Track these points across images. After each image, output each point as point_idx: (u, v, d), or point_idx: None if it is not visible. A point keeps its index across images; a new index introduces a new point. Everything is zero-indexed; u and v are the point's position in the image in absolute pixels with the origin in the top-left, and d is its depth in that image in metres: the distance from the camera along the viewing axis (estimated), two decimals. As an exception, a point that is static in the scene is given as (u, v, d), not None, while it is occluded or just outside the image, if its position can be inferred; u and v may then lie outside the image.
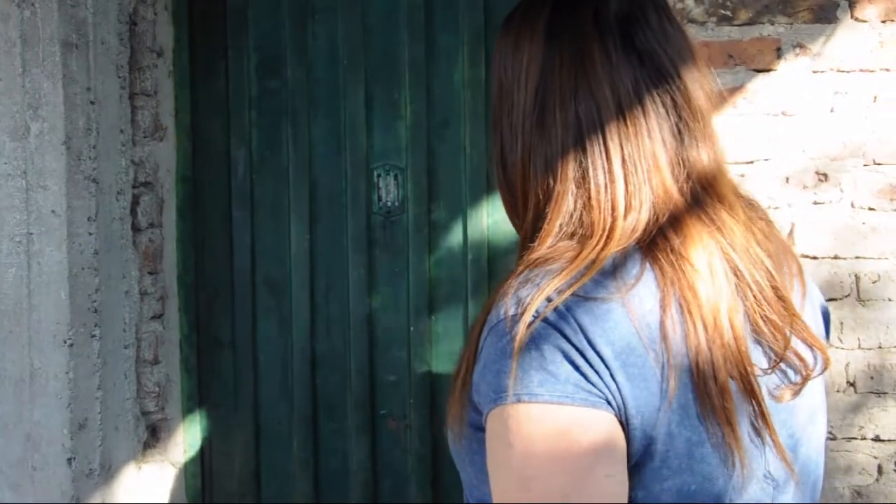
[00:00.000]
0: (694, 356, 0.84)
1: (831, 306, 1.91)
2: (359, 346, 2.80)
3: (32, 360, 1.82)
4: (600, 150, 0.89)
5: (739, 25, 1.91)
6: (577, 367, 0.82)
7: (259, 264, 2.41)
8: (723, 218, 0.90)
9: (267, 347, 2.47)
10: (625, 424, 0.83)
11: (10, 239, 1.80)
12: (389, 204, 2.36)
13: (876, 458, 1.93)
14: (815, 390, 0.97)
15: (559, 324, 0.83)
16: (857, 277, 1.92)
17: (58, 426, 1.82)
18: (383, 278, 2.43)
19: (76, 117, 1.82)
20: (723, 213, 0.91)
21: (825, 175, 1.92)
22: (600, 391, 0.82)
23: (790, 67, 1.91)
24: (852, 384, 1.92)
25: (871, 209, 1.91)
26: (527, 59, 0.93)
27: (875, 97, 1.90)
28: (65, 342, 1.81)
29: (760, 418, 0.88)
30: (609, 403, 0.82)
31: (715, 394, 0.84)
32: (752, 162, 1.91)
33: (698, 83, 0.92)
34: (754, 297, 0.89)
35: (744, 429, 0.87)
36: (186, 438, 2.17)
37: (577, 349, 0.82)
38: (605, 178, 0.89)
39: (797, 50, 1.91)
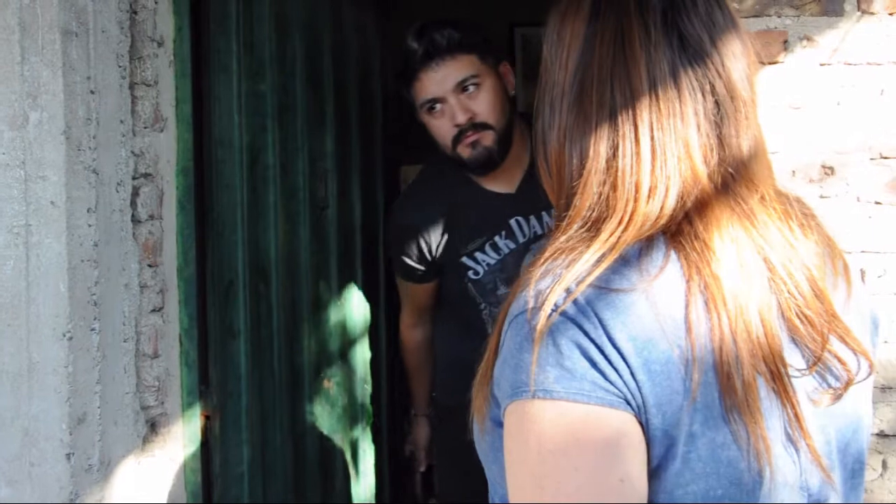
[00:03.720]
0: (718, 350, 0.81)
1: (838, 300, 1.90)
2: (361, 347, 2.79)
3: (31, 353, 1.79)
4: (630, 131, 0.88)
5: (746, 17, 1.90)
6: (594, 364, 0.80)
7: (257, 257, 2.39)
8: (756, 209, 0.88)
9: (269, 341, 2.45)
10: (645, 424, 0.81)
11: (8, 230, 1.77)
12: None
13: (881, 453, 1.93)
14: (859, 397, 0.93)
15: (578, 318, 0.81)
16: (863, 272, 1.91)
17: (56, 421, 1.80)
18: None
19: (76, 107, 1.79)
20: (756, 205, 0.88)
21: (831, 168, 1.91)
22: (619, 389, 0.80)
23: (797, 60, 1.90)
24: (858, 379, 1.92)
25: (877, 203, 1.91)
26: (569, 38, 0.92)
27: (882, 90, 1.90)
28: (64, 335, 1.78)
29: (794, 422, 0.85)
30: (628, 402, 0.80)
31: (739, 390, 0.81)
32: (758, 155, 1.90)
33: (744, 73, 0.90)
34: (789, 292, 0.86)
35: (775, 432, 0.84)
36: (186, 433, 2.14)
37: (596, 345, 0.80)
38: (632, 159, 0.87)
39: (804, 42, 1.90)
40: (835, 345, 0.88)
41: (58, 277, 1.78)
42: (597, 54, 0.90)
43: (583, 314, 0.81)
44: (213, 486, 2.22)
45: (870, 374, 0.92)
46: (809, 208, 0.96)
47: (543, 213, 2.20)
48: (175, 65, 2.11)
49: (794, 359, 0.86)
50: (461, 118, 2.11)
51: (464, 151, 2.14)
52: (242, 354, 2.31)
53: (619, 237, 0.85)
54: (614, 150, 0.88)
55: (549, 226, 2.10)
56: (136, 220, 1.99)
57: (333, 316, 2.73)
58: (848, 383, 0.89)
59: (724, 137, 0.89)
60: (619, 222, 0.86)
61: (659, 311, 0.82)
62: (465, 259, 2.24)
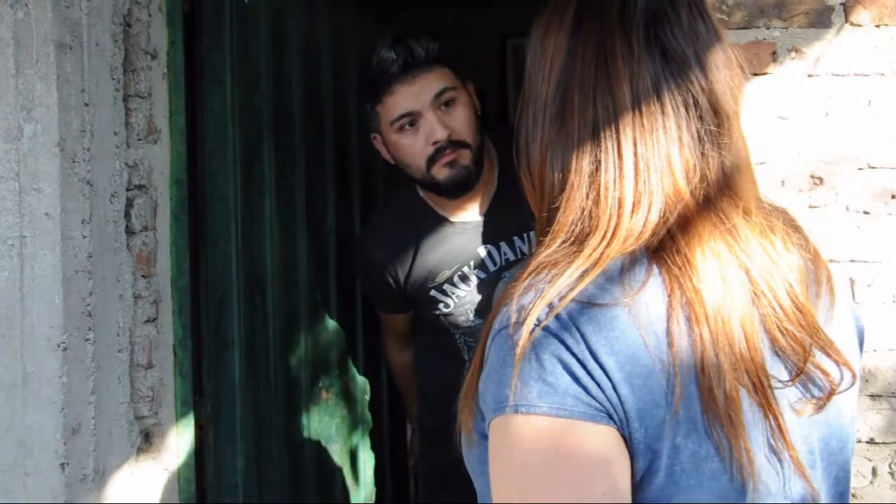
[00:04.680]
0: (699, 363, 0.82)
1: (827, 309, 1.91)
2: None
3: (25, 364, 1.80)
4: (613, 146, 0.88)
5: (735, 29, 1.91)
6: (577, 379, 0.81)
7: (252, 268, 2.40)
8: (738, 224, 0.88)
9: (265, 351, 2.45)
10: (628, 438, 0.81)
11: (2, 242, 1.79)
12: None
13: (870, 460, 1.94)
14: (842, 406, 0.94)
15: (561, 333, 0.82)
16: (853, 281, 1.92)
17: (51, 431, 1.81)
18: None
19: (70, 119, 1.81)
20: (738, 220, 0.88)
21: (820, 178, 1.92)
22: (601, 404, 0.81)
23: (785, 71, 1.91)
24: (848, 387, 1.93)
25: (865, 212, 1.92)
26: (552, 51, 0.93)
27: (869, 101, 1.91)
28: (58, 346, 1.79)
29: (777, 433, 0.85)
30: (610, 417, 0.81)
31: (721, 403, 0.82)
32: (747, 165, 1.91)
33: (728, 86, 0.90)
34: (770, 306, 0.87)
35: (758, 444, 0.85)
36: (179, 443, 2.15)
37: (579, 360, 0.81)
38: (615, 173, 0.88)
39: (792, 54, 1.91)
40: (817, 356, 0.89)
41: (52, 288, 1.80)
42: (579, 68, 0.90)
43: (565, 329, 0.82)
44: (207, 496, 2.22)
45: (853, 384, 0.93)
46: (794, 219, 0.97)
47: (515, 237, 2.09)
48: (169, 77, 2.12)
49: (776, 371, 0.87)
50: (440, 134, 1.97)
51: (440, 172, 2.01)
52: (236, 365, 2.32)
53: (603, 252, 0.86)
54: (597, 164, 0.88)
55: (523, 250, 2.08)
56: (130, 232, 2.00)
57: (331, 325, 2.74)
58: (831, 393, 0.89)
59: (707, 152, 0.89)
60: (603, 237, 0.87)
61: (641, 326, 0.82)
62: (433, 293, 2.14)
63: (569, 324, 0.82)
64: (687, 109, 0.88)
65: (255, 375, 2.39)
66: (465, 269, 2.11)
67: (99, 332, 1.89)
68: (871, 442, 1.93)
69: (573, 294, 0.83)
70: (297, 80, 2.60)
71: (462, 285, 2.12)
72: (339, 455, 2.77)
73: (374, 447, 2.97)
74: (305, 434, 2.62)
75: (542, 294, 0.83)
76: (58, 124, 1.78)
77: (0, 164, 1.78)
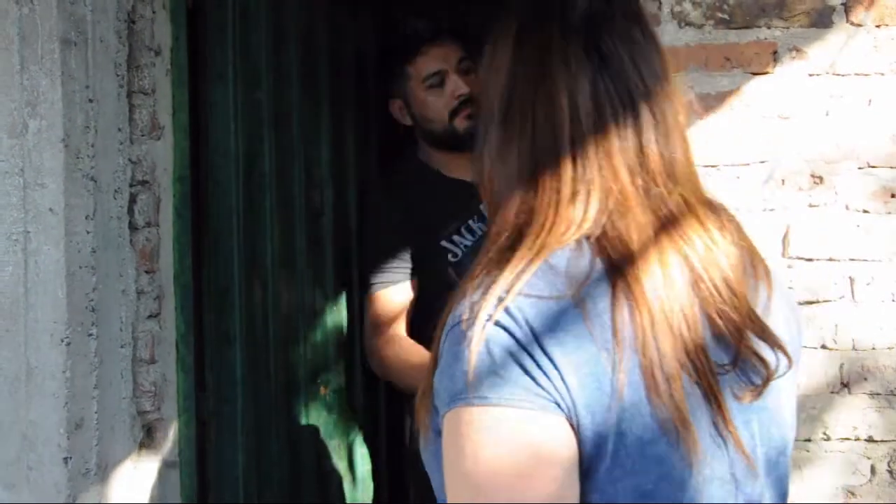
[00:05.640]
0: (642, 350, 0.86)
1: (826, 308, 1.93)
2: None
3: (28, 358, 1.81)
4: (552, 145, 0.93)
5: (736, 29, 1.92)
6: (526, 371, 0.84)
7: (253, 264, 2.41)
8: (675, 213, 0.92)
9: (265, 347, 2.46)
10: (576, 426, 0.84)
11: (6, 237, 1.80)
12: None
13: (869, 458, 1.95)
14: (781, 392, 0.98)
15: (510, 326, 0.85)
16: (852, 279, 1.93)
17: (54, 426, 1.82)
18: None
19: (75, 115, 1.82)
20: (676, 210, 0.93)
21: (820, 178, 1.94)
22: (549, 394, 0.84)
23: (786, 71, 1.92)
24: (846, 385, 1.94)
25: (865, 211, 1.93)
26: (499, 62, 0.98)
27: (869, 100, 1.92)
28: (62, 341, 1.80)
29: (720, 416, 0.89)
30: (559, 406, 0.84)
31: (663, 384, 0.86)
32: (748, 164, 1.93)
33: (663, 89, 0.96)
34: (709, 290, 0.90)
35: (702, 426, 0.88)
36: (182, 438, 2.16)
37: (528, 352, 0.84)
38: (554, 170, 0.92)
39: (793, 53, 1.92)
40: (754, 342, 0.92)
41: (56, 283, 1.80)
42: (522, 76, 0.96)
43: (514, 322, 0.85)
44: (209, 491, 2.23)
45: (789, 369, 0.96)
46: (730, 215, 1.00)
47: None
48: (172, 73, 2.13)
49: (718, 356, 0.90)
50: (464, 89, 2.27)
51: (461, 123, 2.28)
52: (238, 360, 2.32)
53: (543, 242, 0.90)
54: (536, 163, 0.93)
55: None
56: (133, 227, 2.01)
57: (330, 322, 2.75)
58: (768, 379, 0.93)
59: (645, 146, 0.93)
60: (542, 228, 0.91)
61: (587, 316, 0.86)
62: (444, 243, 2.32)
63: (518, 317, 0.85)
64: (624, 107, 0.93)
65: (255, 370, 2.40)
66: (470, 222, 2.33)
67: (102, 328, 1.90)
68: (870, 440, 1.94)
69: (519, 287, 0.86)
70: (297, 76, 2.60)
71: (468, 235, 2.32)
72: (337, 451, 2.78)
73: (372, 443, 2.98)
74: (305, 430, 2.63)
75: (491, 289, 0.87)
76: (62, 120, 1.79)
77: (4, 159, 1.79)
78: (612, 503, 0.86)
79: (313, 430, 2.67)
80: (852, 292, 1.93)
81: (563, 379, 0.83)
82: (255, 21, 2.41)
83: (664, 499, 0.87)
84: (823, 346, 1.93)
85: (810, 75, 1.93)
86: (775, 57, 1.93)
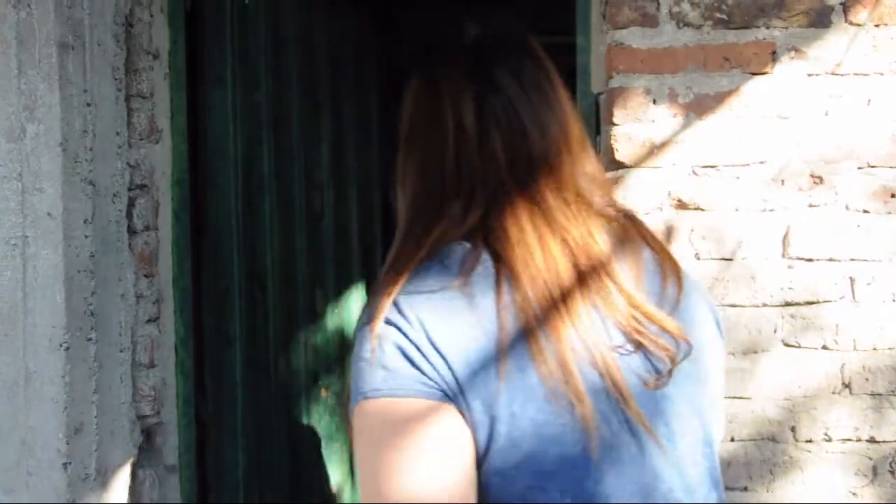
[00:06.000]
0: (525, 332, 0.91)
1: (827, 308, 1.92)
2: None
3: (27, 363, 1.81)
4: (439, 155, 1.03)
5: (735, 29, 1.92)
6: (413, 362, 0.90)
7: (252, 267, 2.41)
8: (553, 206, 1.00)
9: (265, 349, 2.46)
10: (466, 411, 0.90)
11: (5, 242, 1.79)
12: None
13: (871, 459, 1.95)
14: (696, 381, 1.01)
15: (399, 322, 0.92)
16: (852, 279, 1.93)
17: (53, 430, 1.81)
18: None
19: (72, 119, 1.82)
20: (555, 203, 1.00)
21: (820, 178, 1.93)
22: (436, 382, 0.90)
23: (785, 71, 1.92)
24: (847, 385, 1.94)
25: (865, 211, 1.93)
26: (410, 97, 1.10)
27: (869, 100, 1.92)
28: (60, 346, 1.80)
29: (620, 398, 0.93)
30: (445, 393, 0.89)
31: (552, 366, 0.90)
32: (747, 164, 1.92)
33: (546, 100, 1.05)
34: (590, 275, 0.96)
35: (601, 408, 0.92)
36: (182, 442, 2.16)
37: (415, 344, 0.91)
38: (440, 174, 1.02)
39: (792, 53, 1.92)
40: (654, 331, 0.96)
41: (54, 288, 1.80)
42: (423, 106, 1.07)
43: (404, 318, 0.92)
44: (209, 494, 2.23)
45: (689, 353, 0.99)
46: (629, 213, 1.06)
47: None
48: (170, 77, 2.12)
49: (615, 338, 0.95)
50: None
51: None
52: (238, 363, 2.32)
53: (428, 237, 0.98)
54: (425, 174, 1.03)
55: None
56: (132, 231, 2.01)
57: (330, 324, 2.75)
58: (672, 365, 0.96)
59: (528, 149, 1.01)
60: (427, 225, 0.99)
61: (474, 305, 0.92)
62: None
63: (407, 312, 0.92)
64: (509, 119, 1.02)
65: (255, 373, 2.39)
66: None
67: (101, 332, 1.89)
68: (871, 441, 1.94)
69: (411, 286, 0.94)
70: (296, 78, 2.60)
71: None
72: (338, 453, 2.78)
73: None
74: (305, 433, 2.63)
75: (387, 289, 0.94)
76: (60, 124, 1.79)
77: (3, 164, 1.79)
78: (512, 485, 0.90)
79: (313, 433, 2.67)
80: (853, 292, 1.93)
81: (449, 367, 0.89)
82: (253, 23, 2.41)
83: (564, 480, 0.90)
84: (824, 347, 1.93)
85: (809, 75, 1.92)
86: (774, 57, 1.92)
